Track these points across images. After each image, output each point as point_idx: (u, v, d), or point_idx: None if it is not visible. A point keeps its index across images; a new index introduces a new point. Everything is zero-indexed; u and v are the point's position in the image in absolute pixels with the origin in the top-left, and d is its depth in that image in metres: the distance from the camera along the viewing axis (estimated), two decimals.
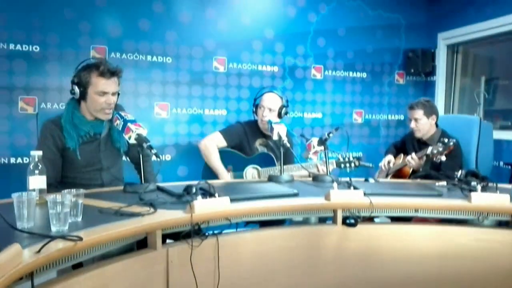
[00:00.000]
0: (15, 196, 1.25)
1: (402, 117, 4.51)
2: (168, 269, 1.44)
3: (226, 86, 3.82)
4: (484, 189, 1.98)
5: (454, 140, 2.44)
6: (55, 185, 1.96)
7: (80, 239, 1.13)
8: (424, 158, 2.59)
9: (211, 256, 1.55)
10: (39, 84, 3.22)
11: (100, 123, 2.07)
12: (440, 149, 2.43)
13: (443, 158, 2.43)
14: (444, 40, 4.40)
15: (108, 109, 2.03)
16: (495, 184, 2.08)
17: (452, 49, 4.46)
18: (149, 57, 3.54)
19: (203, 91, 3.74)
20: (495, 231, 1.79)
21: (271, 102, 2.62)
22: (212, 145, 2.59)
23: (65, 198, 1.24)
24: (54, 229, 1.22)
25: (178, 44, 3.62)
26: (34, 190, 1.59)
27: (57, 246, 1.08)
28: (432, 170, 2.57)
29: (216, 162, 2.52)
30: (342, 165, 2.50)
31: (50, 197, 1.23)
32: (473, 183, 2.09)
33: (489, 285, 1.79)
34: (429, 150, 2.50)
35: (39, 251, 1.04)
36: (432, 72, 4.47)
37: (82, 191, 1.40)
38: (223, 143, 2.62)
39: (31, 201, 1.25)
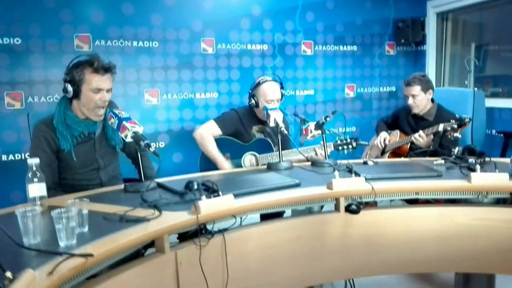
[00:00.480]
0: (19, 212, 1.23)
1: (394, 89, 4.51)
2: (178, 271, 1.45)
3: (215, 68, 3.76)
4: (482, 166, 2.01)
5: (469, 116, 2.42)
6: (53, 188, 1.94)
7: (91, 255, 1.12)
8: (432, 135, 2.58)
9: (219, 253, 1.56)
10: (24, 78, 3.13)
11: (93, 122, 2.03)
12: (455, 126, 2.42)
13: (458, 134, 2.43)
14: (433, 8, 4.35)
15: (102, 107, 1.98)
16: (492, 161, 2.11)
17: (442, 16, 4.42)
18: (135, 43, 3.46)
19: (192, 75, 3.68)
20: (494, 209, 1.83)
21: (276, 92, 2.58)
22: (208, 134, 2.55)
23: (70, 212, 1.22)
24: (62, 244, 1.21)
25: (164, 27, 3.52)
26: (34, 198, 1.57)
27: (69, 265, 1.07)
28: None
29: (213, 151, 2.50)
30: (340, 148, 2.50)
31: (55, 212, 1.21)
32: (471, 160, 2.13)
33: (489, 262, 1.84)
34: (440, 127, 2.48)
35: (51, 272, 1.02)
36: (422, 41, 4.44)
37: (86, 199, 1.37)
38: (218, 131, 2.58)
39: (36, 216, 1.23)
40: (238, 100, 3.84)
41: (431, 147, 2.61)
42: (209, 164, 2.57)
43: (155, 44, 3.52)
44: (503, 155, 3.56)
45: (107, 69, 1.97)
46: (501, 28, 4.38)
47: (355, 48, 4.28)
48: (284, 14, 3.94)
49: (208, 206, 1.49)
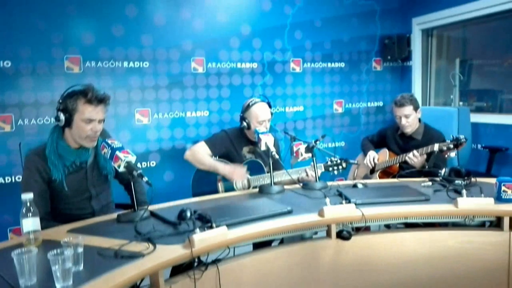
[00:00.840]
0: (15, 253, 1.24)
1: (381, 104, 4.59)
2: None
3: (206, 87, 3.79)
4: (468, 188, 2.06)
5: (465, 137, 2.46)
6: (46, 218, 1.93)
7: None
8: (425, 155, 2.63)
9: (213, 285, 1.58)
10: (14, 101, 3.12)
11: (85, 151, 2.04)
12: (451, 146, 2.46)
13: (453, 154, 2.48)
14: (418, 25, 4.45)
15: (93, 137, 2.00)
16: (478, 182, 2.17)
17: (427, 33, 4.52)
18: (125, 63, 3.47)
19: (183, 94, 3.70)
20: (480, 233, 1.88)
21: (267, 112, 2.62)
22: (199, 149, 2.58)
23: (66, 253, 1.23)
24: (58, 286, 1.22)
25: (154, 47, 3.55)
26: (29, 232, 1.57)
27: None
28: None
29: (209, 161, 2.51)
30: (331, 169, 2.54)
31: (51, 254, 1.22)
32: (457, 182, 2.19)
33: (477, 284, 1.89)
34: (436, 147, 2.52)
35: None
36: (408, 57, 4.53)
37: (81, 239, 1.38)
38: (208, 152, 2.60)
39: (31, 258, 1.24)
40: (228, 118, 3.87)
41: (426, 166, 2.65)
42: (201, 186, 2.60)
43: (146, 64, 3.54)
44: (488, 169, 3.64)
45: (101, 100, 1.98)
46: (484, 44, 4.49)
47: (342, 64, 4.34)
48: (273, 33, 4.00)
49: (202, 240, 1.51)
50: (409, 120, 2.84)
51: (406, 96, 2.88)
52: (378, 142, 3.18)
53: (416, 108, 2.84)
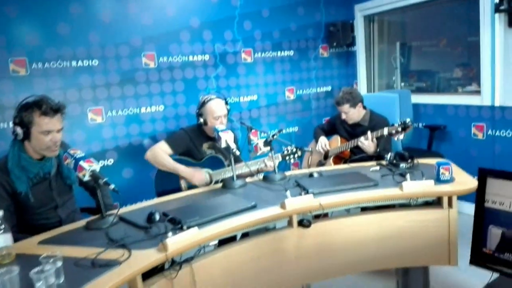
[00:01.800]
0: None
1: (329, 88, 4.80)
2: None
3: (159, 82, 3.79)
4: (411, 171, 2.29)
5: (409, 119, 2.62)
6: (13, 231, 1.92)
7: None
8: (375, 139, 2.81)
9: (188, 282, 1.68)
10: None
11: (48, 162, 2.04)
12: (399, 129, 2.65)
13: (401, 136, 2.67)
14: (360, 11, 4.66)
15: (55, 146, 2.00)
16: (420, 164, 2.41)
17: (369, 19, 4.75)
18: (74, 63, 3.40)
19: (136, 90, 3.69)
20: (423, 212, 2.11)
21: (222, 108, 2.70)
22: (159, 150, 2.63)
23: (48, 269, 1.28)
24: None
25: (103, 45, 3.49)
26: (1, 248, 1.59)
27: None
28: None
29: (170, 162, 2.58)
30: (287, 158, 2.68)
31: (33, 272, 1.27)
32: (402, 165, 2.41)
33: (423, 256, 2.13)
34: (385, 131, 2.69)
35: None
36: (352, 42, 4.75)
37: (59, 254, 1.43)
38: (169, 151, 2.66)
39: (13, 278, 1.28)
40: (184, 111, 3.91)
41: (377, 150, 2.85)
42: (164, 184, 2.66)
43: (95, 62, 3.48)
44: (429, 146, 3.97)
45: (56, 110, 1.98)
46: (421, 27, 4.80)
47: (291, 53, 4.48)
48: (223, 24, 4.04)
49: (175, 243, 1.60)
50: (348, 115, 3.05)
51: (343, 95, 3.05)
52: (328, 130, 3.38)
53: (354, 104, 3.02)
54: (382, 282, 2.79)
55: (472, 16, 3.63)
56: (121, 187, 1.96)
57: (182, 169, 2.58)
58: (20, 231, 2.00)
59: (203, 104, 2.75)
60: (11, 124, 3.05)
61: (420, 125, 4.14)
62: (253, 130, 2.92)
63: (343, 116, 3.08)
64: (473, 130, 3.70)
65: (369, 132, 2.78)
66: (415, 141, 4.09)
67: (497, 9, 3.20)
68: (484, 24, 3.40)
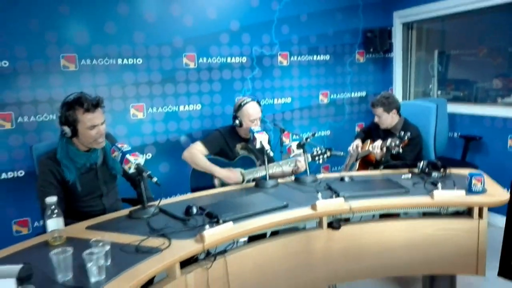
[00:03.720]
0: (53, 253, 1.42)
1: (364, 94, 4.81)
2: None
3: (198, 82, 3.93)
4: (443, 180, 2.31)
5: (409, 134, 2.68)
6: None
7: None
8: (384, 149, 2.86)
9: (221, 273, 1.79)
10: (13, 99, 3.22)
11: (94, 153, 2.20)
12: (397, 142, 2.69)
13: (400, 150, 2.71)
14: (399, 18, 4.65)
15: (101, 138, 2.15)
16: (452, 174, 2.43)
17: (407, 26, 4.73)
18: (119, 60, 3.58)
19: (176, 89, 3.84)
20: (453, 221, 2.13)
21: (258, 111, 2.80)
22: (196, 151, 2.75)
23: (100, 252, 1.42)
24: (93, 280, 1.41)
25: (146, 44, 3.66)
26: (53, 231, 1.74)
27: None
28: (393, 159, 2.89)
29: (206, 163, 2.69)
30: (317, 158, 2.74)
31: (86, 253, 1.41)
32: (434, 174, 2.43)
33: (450, 264, 2.16)
34: (388, 142, 2.76)
35: None
36: (389, 49, 4.75)
37: (108, 240, 1.56)
38: (205, 151, 2.78)
39: (68, 257, 1.42)
40: (220, 111, 4.04)
41: (383, 158, 2.90)
42: (199, 181, 2.78)
43: (139, 61, 3.65)
44: (463, 156, 3.93)
45: (97, 105, 2.12)
46: (461, 36, 4.74)
47: (327, 57, 4.53)
48: (261, 28, 4.14)
49: (212, 235, 1.71)
50: (381, 119, 3.08)
51: (380, 98, 3.08)
52: (367, 133, 3.43)
53: (388, 109, 3.04)
54: None
55: None
56: (159, 180, 2.09)
57: (218, 171, 2.69)
58: (67, 217, 2.16)
59: (239, 107, 2.85)
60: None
61: (456, 135, 4.10)
62: (285, 132, 2.98)
63: (376, 119, 3.11)
64: (510, 142, 3.64)
65: (376, 142, 2.85)
66: (450, 151, 4.06)
67: None
68: None
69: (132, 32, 3.60)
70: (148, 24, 3.64)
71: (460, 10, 3.97)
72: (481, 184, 2.14)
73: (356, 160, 3.33)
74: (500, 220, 2.28)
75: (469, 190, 2.15)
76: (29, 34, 3.21)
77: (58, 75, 3.36)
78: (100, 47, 3.48)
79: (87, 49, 3.44)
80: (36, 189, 2.11)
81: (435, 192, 2.10)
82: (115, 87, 3.58)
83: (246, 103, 2.82)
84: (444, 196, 2.08)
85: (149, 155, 3.79)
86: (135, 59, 3.64)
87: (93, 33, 3.45)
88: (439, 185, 2.16)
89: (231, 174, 2.68)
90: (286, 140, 2.82)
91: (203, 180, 2.79)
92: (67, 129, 2.08)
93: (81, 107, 2.09)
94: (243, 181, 2.74)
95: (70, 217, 2.14)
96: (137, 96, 3.69)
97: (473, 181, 2.14)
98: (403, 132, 2.72)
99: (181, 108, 3.89)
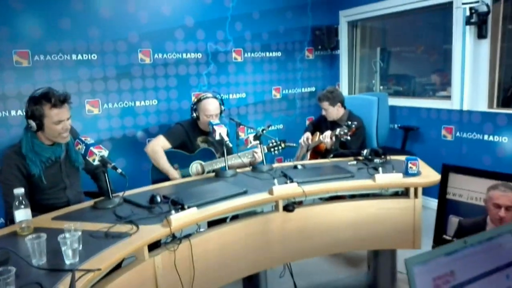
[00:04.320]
0: (28, 238, 1.50)
1: (313, 89, 5.08)
2: (156, 274, 1.80)
3: (153, 77, 4.00)
4: (384, 166, 2.58)
5: (356, 123, 2.96)
6: None
7: (99, 269, 1.44)
8: (334, 137, 3.11)
9: (186, 255, 1.93)
10: None
11: (59, 147, 2.25)
12: (346, 130, 2.95)
13: (348, 137, 2.97)
14: (345, 17, 4.95)
15: (66, 133, 2.21)
16: (391, 160, 2.71)
17: (352, 24, 5.04)
18: (74, 56, 3.58)
19: (131, 84, 3.89)
20: (393, 201, 2.40)
21: (215, 108, 2.93)
22: (159, 148, 2.84)
23: (74, 235, 1.51)
24: (67, 262, 1.50)
25: (101, 40, 3.68)
26: (21, 222, 1.80)
27: (84, 279, 1.38)
28: (341, 148, 3.15)
29: (165, 165, 2.80)
30: (272, 149, 2.94)
31: (61, 237, 1.50)
32: (376, 161, 2.70)
33: (391, 240, 2.43)
34: (337, 131, 3.01)
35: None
36: (336, 46, 5.04)
37: (79, 224, 1.66)
38: (167, 145, 2.88)
39: (42, 242, 1.50)
40: (176, 106, 4.13)
41: (332, 147, 3.16)
42: (159, 174, 2.88)
43: (94, 56, 3.67)
44: (403, 146, 4.29)
45: (64, 101, 2.18)
46: (400, 34, 5.13)
47: (279, 54, 4.75)
48: (215, 25, 4.27)
49: (178, 219, 1.84)
50: (327, 112, 3.35)
51: (325, 93, 3.35)
52: (316, 126, 3.67)
53: (333, 103, 3.31)
54: (355, 267, 3.09)
55: (447, 25, 3.94)
56: (115, 175, 2.18)
57: (174, 175, 2.79)
58: (32, 210, 2.20)
59: (198, 100, 2.98)
60: (12, 113, 3.29)
61: (396, 126, 4.46)
62: (241, 126, 3.15)
63: (323, 112, 3.36)
64: (443, 132, 4.03)
65: (326, 132, 3.10)
66: (391, 141, 4.40)
67: (468, 21, 3.52)
68: (456, 34, 3.73)
69: (87, 28, 3.61)
70: (103, 20, 3.66)
71: (399, 10, 4.31)
72: (416, 167, 2.42)
73: (307, 151, 3.56)
74: (433, 203, 2.58)
75: (406, 173, 2.43)
76: None
77: (10, 71, 3.31)
78: (54, 42, 3.47)
79: (41, 44, 3.41)
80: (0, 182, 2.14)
81: (377, 175, 2.35)
82: (69, 83, 3.58)
83: (205, 98, 2.95)
84: (385, 178, 2.34)
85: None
86: (90, 55, 3.65)
87: (47, 29, 3.43)
88: (380, 169, 2.42)
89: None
90: (241, 134, 2.99)
91: (163, 173, 2.89)
92: (32, 123, 2.12)
93: (48, 102, 2.13)
94: (203, 172, 2.88)
95: (35, 210, 2.18)
96: (92, 91, 3.71)
97: (409, 165, 2.42)
98: (349, 122, 2.98)
99: (137, 103, 3.94)
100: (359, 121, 3.28)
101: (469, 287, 0.93)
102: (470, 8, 3.44)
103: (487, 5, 3.41)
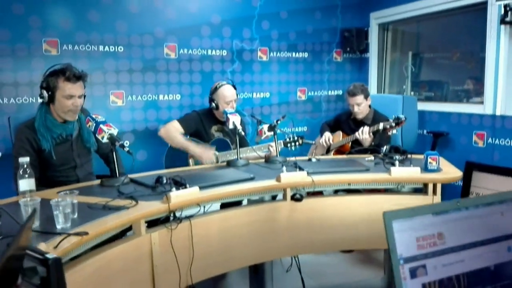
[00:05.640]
0: (22, 201, 1.50)
1: (340, 92, 4.96)
2: (152, 250, 1.76)
3: (178, 72, 4.03)
4: (402, 162, 2.45)
5: (404, 116, 2.83)
6: (36, 184, 2.16)
7: (86, 233, 1.41)
8: (372, 134, 2.99)
9: (186, 236, 1.88)
10: None
11: (70, 125, 2.28)
12: (393, 124, 2.83)
13: (395, 131, 2.85)
14: (375, 19, 4.83)
15: (75, 111, 2.23)
16: (412, 157, 2.57)
17: (383, 27, 4.92)
18: (101, 47, 3.66)
19: (156, 78, 3.93)
20: (410, 197, 2.27)
21: (233, 93, 2.91)
22: (172, 128, 2.84)
23: (65, 201, 1.50)
24: (59, 226, 1.49)
25: (128, 33, 3.75)
26: (25, 191, 1.81)
27: (69, 241, 1.36)
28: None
29: (182, 140, 2.78)
30: (289, 145, 2.87)
31: (53, 201, 1.49)
32: (395, 157, 2.57)
33: None
34: (381, 125, 2.88)
35: (56, 246, 1.31)
36: (365, 49, 4.92)
37: (76, 191, 1.65)
38: (181, 130, 2.87)
39: (36, 205, 1.50)
40: (199, 102, 4.13)
41: (373, 143, 3.02)
42: (173, 161, 2.87)
43: (121, 48, 3.74)
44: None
45: (79, 78, 2.22)
46: (435, 38, 4.94)
47: (306, 55, 4.69)
48: (242, 23, 4.27)
49: (177, 196, 1.81)
50: (361, 107, 3.22)
51: (357, 86, 3.24)
52: (334, 126, 3.56)
53: (366, 96, 3.21)
54: (371, 270, 2.94)
55: (485, 29, 3.74)
56: (135, 167, 2.19)
57: (193, 147, 2.78)
58: (42, 185, 2.24)
59: (215, 89, 2.96)
60: (39, 99, 3.39)
61: (425, 131, 4.27)
62: (262, 124, 3.08)
63: (355, 109, 3.22)
64: (474, 138, 3.81)
65: (366, 126, 2.95)
66: (419, 147, 4.21)
67: (502, 20, 3.33)
68: (490, 34, 3.54)
69: (115, 21, 3.69)
70: (131, 14, 3.74)
71: (432, 11, 4.16)
72: (436, 163, 2.28)
73: (327, 152, 3.45)
74: None
75: (425, 169, 2.29)
76: (13, 18, 3.28)
77: (39, 58, 3.42)
78: (82, 33, 3.56)
79: (70, 35, 3.51)
80: (12, 155, 2.18)
81: (392, 169, 2.23)
82: (96, 73, 3.65)
83: (222, 85, 2.93)
84: (401, 172, 2.22)
85: (127, 143, 3.86)
86: (116, 47, 3.73)
87: (76, 20, 3.53)
88: (397, 163, 2.30)
89: (205, 152, 2.77)
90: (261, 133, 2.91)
91: (178, 160, 2.88)
92: (45, 93, 2.17)
93: (63, 76, 2.19)
94: (217, 161, 2.84)
95: (45, 186, 2.22)
96: (117, 83, 3.77)
97: (429, 160, 2.28)
98: (395, 115, 2.84)
99: (161, 97, 3.98)
100: (385, 119, 3.15)
101: (461, 254, 0.83)
102: (505, 6, 3.26)
103: None
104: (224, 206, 2.19)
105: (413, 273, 0.80)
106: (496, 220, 0.87)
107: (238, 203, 2.22)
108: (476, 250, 0.84)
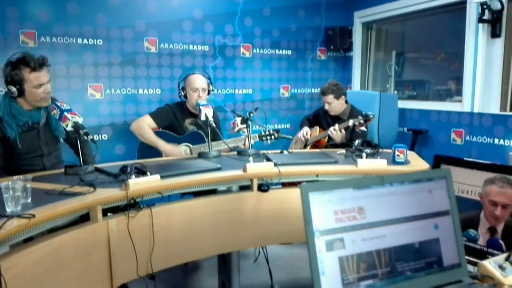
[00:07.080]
0: None
1: None
2: (110, 237, 1.73)
3: (158, 66, 4.01)
4: (372, 155, 2.44)
5: (372, 113, 2.84)
6: (1, 172, 2.14)
7: (33, 216, 1.39)
8: (343, 130, 3.00)
9: (146, 224, 1.86)
10: None
11: (37, 113, 2.26)
12: (362, 121, 2.83)
13: (364, 128, 2.86)
14: (359, 18, 4.84)
15: (47, 97, 2.21)
16: (383, 151, 2.57)
17: (367, 26, 4.92)
18: (79, 40, 3.64)
19: (136, 72, 3.91)
20: None
21: (202, 82, 2.90)
22: (144, 124, 2.83)
23: (16, 184, 1.48)
24: (8, 209, 1.46)
25: (108, 26, 3.73)
26: None
27: (14, 223, 1.34)
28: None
29: (152, 136, 2.77)
30: (264, 138, 2.85)
31: (3, 184, 1.47)
32: (366, 151, 2.56)
33: None
34: (350, 122, 2.89)
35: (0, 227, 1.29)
36: (349, 48, 4.93)
37: (29, 176, 1.63)
38: (153, 124, 2.86)
39: None
40: None
41: (344, 139, 3.04)
42: (145, 153, 2.85)
43: (100, 41, 3.72)
44: (411, 149, 4.09)
45: (42, 64, 2.19)
46: (418, 38, 4.96)
47: (289, 52, 4.68)
48: (224, 19, 4.26)
49: (136, 184, 1.79)
50: (331, 106, 3.23)
51: (330, 85, 3.25)
52: (313, 121, 3.56)
53: (338, 96, 3.21)
54: None
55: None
56: (112, 162, 2.14)
57: (162, 145, 2.77)
58: (7, 173, 2.21)
59: (185, 77, 2.96)
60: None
61: (405, 129, 4.27)
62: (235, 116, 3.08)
63: (326, 107, 3.25)
64: (453, 135, 3.82)
65: (336, 124, 2.96)
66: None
67: (480, 19, 3.35)
68: (468, 33, 3.56)
69: (95, 14, 3.67)
70: (111, 6, 3.72)
71: (415, 9, 4.16)
72: (404, 155, 2.28)
73: (305, 146, 3.45)
74: None
75: (393, 161, 2.29)
76: None
77: (16, 50, 3.33)
78: (61, 25, 3.54)
79: (48, 26, 3.49)
80: None
81: (359, 160, 2.23)
82: (73, 66, 3.63)
83: (192, 73, 2.92)
84: (367, 164, 2.21)
85: (105, 136, 3.83)
86: (95, 40, 3.70)
87: (55, 11, 3.50)
88: (364, 155, 2.29)
89: (175, 150, 2.76)
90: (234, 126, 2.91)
91: (149, 153, 2.85)
92: (13, 89, 2.13)
93: (27, 67, 2.15)
94: (191, 154, 2.82)
95: (10, 174, 2.19)
96: (96, 76, 3.75)
97: (397, 153, 2.28)
98: (364, 112, 2.85)
99: (140, 91, 3.95)
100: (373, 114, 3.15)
101: (383, 229, 0.82)
102: (482, 4, 3.27)
103: (501, 2, 3.24)
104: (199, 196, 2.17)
105: (330, 246, 0.78)
106: (424, 197, 0.86)
107: (212, 193, 2.20)
108: (400, 226, 0.83)
